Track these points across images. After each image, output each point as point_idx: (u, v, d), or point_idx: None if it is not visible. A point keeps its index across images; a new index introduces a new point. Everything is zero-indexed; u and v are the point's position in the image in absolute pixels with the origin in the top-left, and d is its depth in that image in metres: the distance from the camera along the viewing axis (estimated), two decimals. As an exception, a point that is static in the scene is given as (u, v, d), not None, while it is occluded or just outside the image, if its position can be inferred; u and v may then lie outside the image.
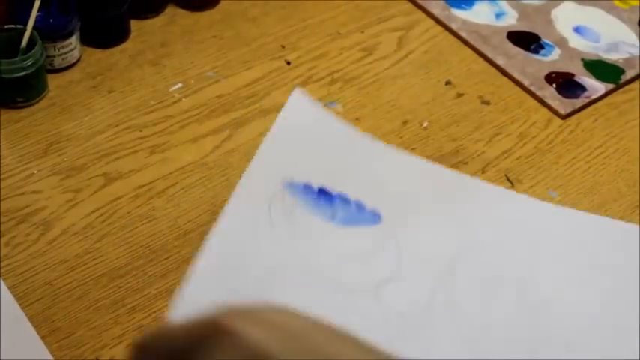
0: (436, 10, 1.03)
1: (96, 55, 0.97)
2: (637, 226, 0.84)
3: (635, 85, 0.99)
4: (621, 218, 0.86)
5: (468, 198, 0.87)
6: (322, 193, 0.83)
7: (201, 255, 0.76)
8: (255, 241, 0.79)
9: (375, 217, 0.82)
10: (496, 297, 0.79)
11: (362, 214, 0.83)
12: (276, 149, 0.86)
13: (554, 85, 0.96)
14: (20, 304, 0.75)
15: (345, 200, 0.83)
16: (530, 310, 0.78)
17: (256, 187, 0.83)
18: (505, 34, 1.02)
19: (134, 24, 0.99)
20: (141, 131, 0.90)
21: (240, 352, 0.43)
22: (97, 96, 0.93)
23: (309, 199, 0.82)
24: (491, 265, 0.81)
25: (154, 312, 0.76)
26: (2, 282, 0.77)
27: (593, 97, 0.96)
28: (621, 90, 0.98)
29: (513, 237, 0.84)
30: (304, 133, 0.89)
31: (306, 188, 0.83)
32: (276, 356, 0.42)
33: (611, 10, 1.05)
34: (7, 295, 0.76)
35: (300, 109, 0.91)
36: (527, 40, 1.01)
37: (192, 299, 0.75)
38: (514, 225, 0.85)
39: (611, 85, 0.97)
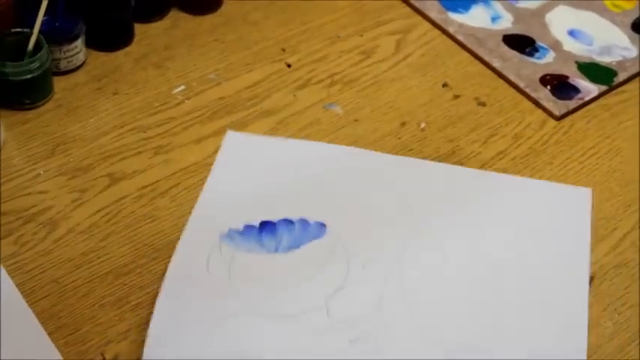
0: (433, 14, 1.04)
1: (101, 58, 0.97)
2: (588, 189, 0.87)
3: (627, 87, 0.99)
4: (613, 218, 0.86)
5: (409, 180, 0.87)
6: (264, 226, 0.83)
7: (152, 323, 0.75)
8: (197, 299, 0.78)
9: (320, 229, 0.83)
10: (450, 280, 0.80)
11: (307, 231, 0.83)
12: (213, 198, 0.85)
13: (548, 87, 0.97)
14: (27, 301, 0.76)
15: (287, 223, 0.83)
16: (484, 285, 0.80)
17: (195, 243, 0.82)
18: (501, 38, 1.02)
19: (138, 28, 1.00)
20: (145, 132, 0.90)
21: None
22: (102, 98, 0.93)
23: (251, 239, 0.82)
24: (440, 247, 0.82)
25: (158, 309, 0.76)
26: (10, 280, 0.77)
27: (587, 98, 0.96)
28: (614, 92, 0.98)
29: (461, 213, 0.85)
30: (243, 170, 0.88)
31: (247, 229, 0.82)
32: None
33: (604, 13, 1.06)
34: (15, 293, 0.76)
35: (234, 148, 0.90)
36: (522, 43, 1.01)
37: None
38: (460, 199, 0.86)
39: (604, 87, 0.97)
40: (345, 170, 0.88)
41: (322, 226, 0.83)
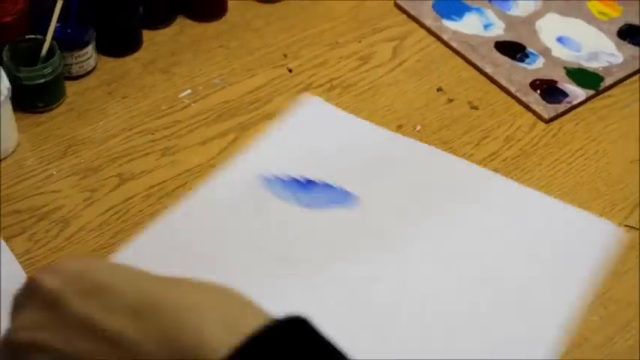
0: (428, 21, 1.04)
1: (110, 64, 0.98)
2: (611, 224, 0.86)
3: (613, 91, 0.99)
4: (600, 216, 0.87)
5: (458, 186, 0.88)
6: (304, 183, 0.85)
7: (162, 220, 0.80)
8: (211, 222, 0.82)
9: (354, 200, 0.84)
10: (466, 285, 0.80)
11: (342, 197, 0.84)
12: (269, 146, 0.89)
13: (538, 92, 0.97)
14: (41, 296, 0.76)
15: (327, 186, 0.85)
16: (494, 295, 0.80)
17: (235, 177, 0.85)
18: (493, 44, 1.03)
19: (146, 34, 1.00)
20: (152, 134, 0.91)
21: (37, 298, 0.51)
22: (112, 102, 0.94)
23: (290, 190, 0.84)
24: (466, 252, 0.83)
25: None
26: (24, 274, 0.78)
27: (575, 102, 0.97)
28: (601, 96, 0.99)
29: (491, 224, 0.85)
30: (306, 131, 0.91)
31: (290, 180, 0.85)
32: (64, 296, 0.49)
33: (591, 21, 1.06)
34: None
35: (307, 110, 0.93)
36: (513, 50, 1.02)
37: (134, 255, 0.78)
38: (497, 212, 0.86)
39: (591, 92, 0.98)
40: (398, 158, 0.90)
41: (356, 197, 0.85)
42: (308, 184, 0.85)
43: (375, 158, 0.90)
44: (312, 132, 0.92)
